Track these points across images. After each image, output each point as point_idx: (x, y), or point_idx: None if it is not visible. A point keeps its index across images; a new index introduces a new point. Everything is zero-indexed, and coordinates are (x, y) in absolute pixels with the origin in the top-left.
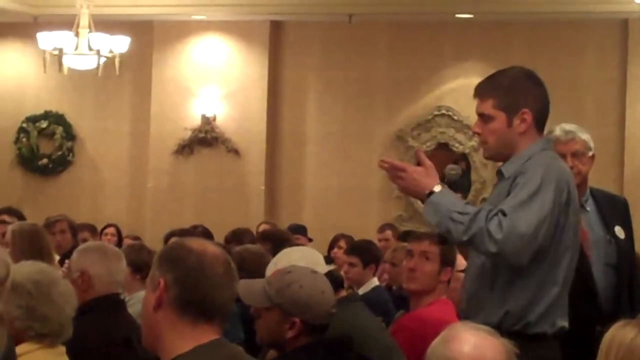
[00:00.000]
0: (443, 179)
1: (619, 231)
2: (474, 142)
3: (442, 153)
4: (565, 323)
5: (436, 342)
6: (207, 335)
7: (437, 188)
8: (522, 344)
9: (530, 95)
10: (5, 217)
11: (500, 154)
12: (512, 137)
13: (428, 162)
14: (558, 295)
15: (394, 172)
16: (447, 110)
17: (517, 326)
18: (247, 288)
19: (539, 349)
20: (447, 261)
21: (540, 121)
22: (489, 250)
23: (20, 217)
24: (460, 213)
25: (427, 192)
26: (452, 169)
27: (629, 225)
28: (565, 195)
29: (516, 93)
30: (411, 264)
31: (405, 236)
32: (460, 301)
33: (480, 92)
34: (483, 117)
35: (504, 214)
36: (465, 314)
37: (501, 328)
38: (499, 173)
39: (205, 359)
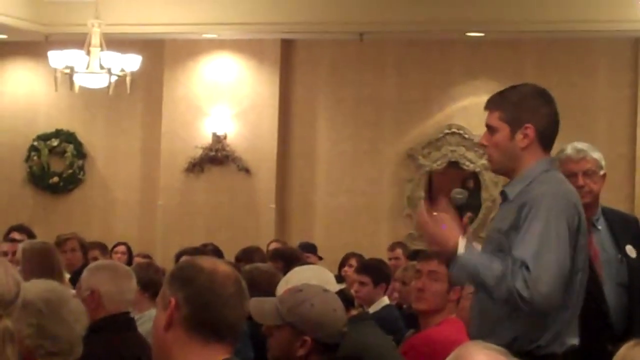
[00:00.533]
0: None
1: (631, 250)
2: (485, 160)
3: (453, 171)
4: (575, 341)
5: None
6: (218, 354)
7: (463, 242)
8: None
9: (537, 112)
10: (16, 235)
11: (504, 168)
12: (515, 151)
13: (445, 218)
14: (569, 317)
15: (421, 223)
16: (458, 129)
17: (527, 348)
18: (259, 306)
19: None
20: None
21: (545, 139)
22: (523, 309)
23: (30, 234)
24: (488, 273)
25: (452, 245)
26: (459, 193)
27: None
28: (576, 222)
29: (522, 108)
30: (419, 284)
31: (415, 255)
32: (470, 324)
33: (490, 104)
34: (489, 129)
35: (527, 268)
36: (474, 337)
37: (511, 349)
38: (503, 194)
39: None
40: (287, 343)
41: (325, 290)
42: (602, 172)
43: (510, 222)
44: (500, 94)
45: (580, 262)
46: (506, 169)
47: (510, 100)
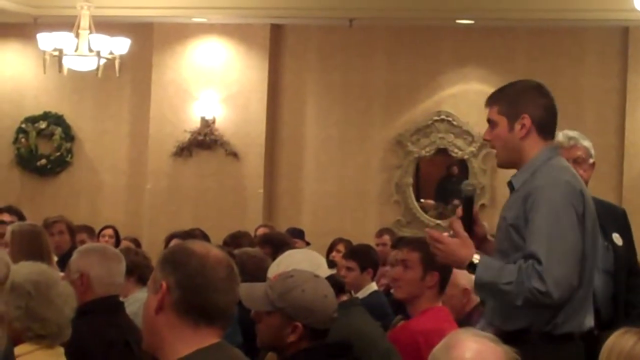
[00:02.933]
0: (460, 195)
1: (617, 238)
2: (473, 147)
3: (441, 158)
4: (591, 324)
5: (438, 348)
6: (208, 338)
7: (476, 259)
8: (550, 345)
9: (533, 102)
10: (6, 217)
11: (509, 161)
12: (515, 142)
13: (463, 233)
14: (582, 297)
15: (432, 243)
16: (447, 116)
17: (545, 328)
18: (249, 292)
19: (566, 349)
20: (430, 266)
21: (543, 128)
22: (547, 304)
23: (21, 216)
24: (505, 283)
25: (467, 263)
26: (468, 185)
27: (627, 233)
28: (581, 208)
29: (518, 100)
30: (394, 273)
31: (397, 243)
32: (486, 309)
33: (489, 100)
34: (490, 124)
35: (539, 262)
36: (491, 319)
37: (530, 330)
38: (510, 184)
39: None
40: (278, 329)
41: (316, 276)
42: (591, 161)
43: (516, 212)
44: (500, 90)
45: (588, 245)
46: (511, 162)
47: (507, 94)
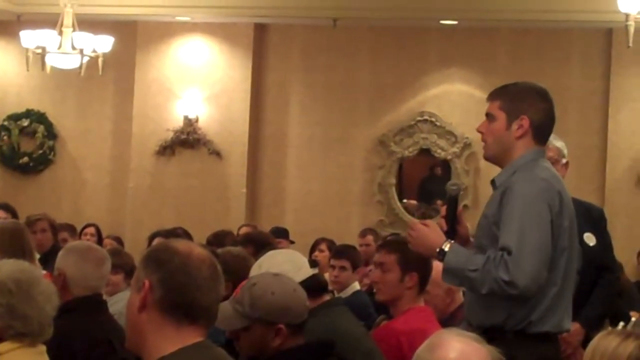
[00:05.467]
0: (445, 195)
1: (589, 237)
2: (456, 148)
3: (424, 159)
4: (569, 326)
5: (422, 349)
6: (191, 337)
7: (447, 246)
8: (525, 343)
9: (534, 106)
10: (1, 213)
11: (496, 156)
12: (509, 140)
13: (430, 222)
14: (557, 295)
15: (407, 231)
16: (430, 116)
17: (519, 325)
18: (219, 314)
19: (541, 348)
20: (408, 267)
21: (539, 132)
22: (512, 295)
23: (14, 214)
24: (472, 270)
25: (438, 250)
26: (453, 184)
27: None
28: (557, 204)
29: (521, 100)
30: (373, 276)
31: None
32: (465, 305)
33: (492, 95)
34: (488, 117)
35: (509, 253)
36: (468, 316)
37: (505, 328)
38: (492, 183)
39: None
40: (261, 338)
41: (276, 274)
42: (564, 161)
43: (495, 209)
44: (504, 86)
45: (565, 242)
46: (498, 158)
47: (510, 92)
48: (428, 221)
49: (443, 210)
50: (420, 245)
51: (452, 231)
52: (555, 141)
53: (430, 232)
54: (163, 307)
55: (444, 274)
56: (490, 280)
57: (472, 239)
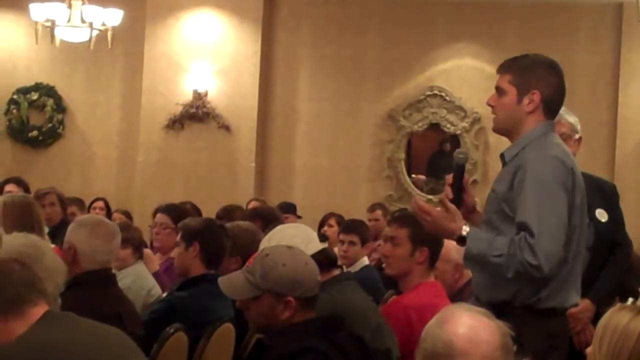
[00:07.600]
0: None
1: (601, 214)
2: (466, 123)
3: (433, 133)
4: (576, 301)
5: (431, 323)
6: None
7: (466, 231)
8: (533, 318)
9: (545, 80)
10: (13, 187)
11: (505, 129)
12: (520, 114)
13: (452, 207)
14: (568, 273)
15: (420, 214)
16: (440, 91)
17: (528, 301)
18: (229, 283)
19: (549, 324)
20: (419, 241)
21: (549, 107)
22: (536, 277)
23: (26, 188)
24: (496, 256)
25: (457, 236)
26: (461, 153)
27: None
28: (570, 181)
29: (531, 74)
30: (383, 250)
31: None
32: (473, 280)
33: (502, 68)
34: (498, 91)
35: (532, 234)
36: (476, 292)
37: (514, 303)
38: (502, 157)
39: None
40: (270, 309)
41: (289, 247)
42: (577, 136)
43: (506, 185)
44: (514, 59)
45: (577, 219)
46: (508, 131)
47: (521, 65)
48: (450, 205)
49: (449, 178)
50: (436, 230)
51: (458, 199)
52: (568, 116)
53: (448, 218)
54: None
55: (465, 261)
56: (516, 264)
57: (478, 209)
